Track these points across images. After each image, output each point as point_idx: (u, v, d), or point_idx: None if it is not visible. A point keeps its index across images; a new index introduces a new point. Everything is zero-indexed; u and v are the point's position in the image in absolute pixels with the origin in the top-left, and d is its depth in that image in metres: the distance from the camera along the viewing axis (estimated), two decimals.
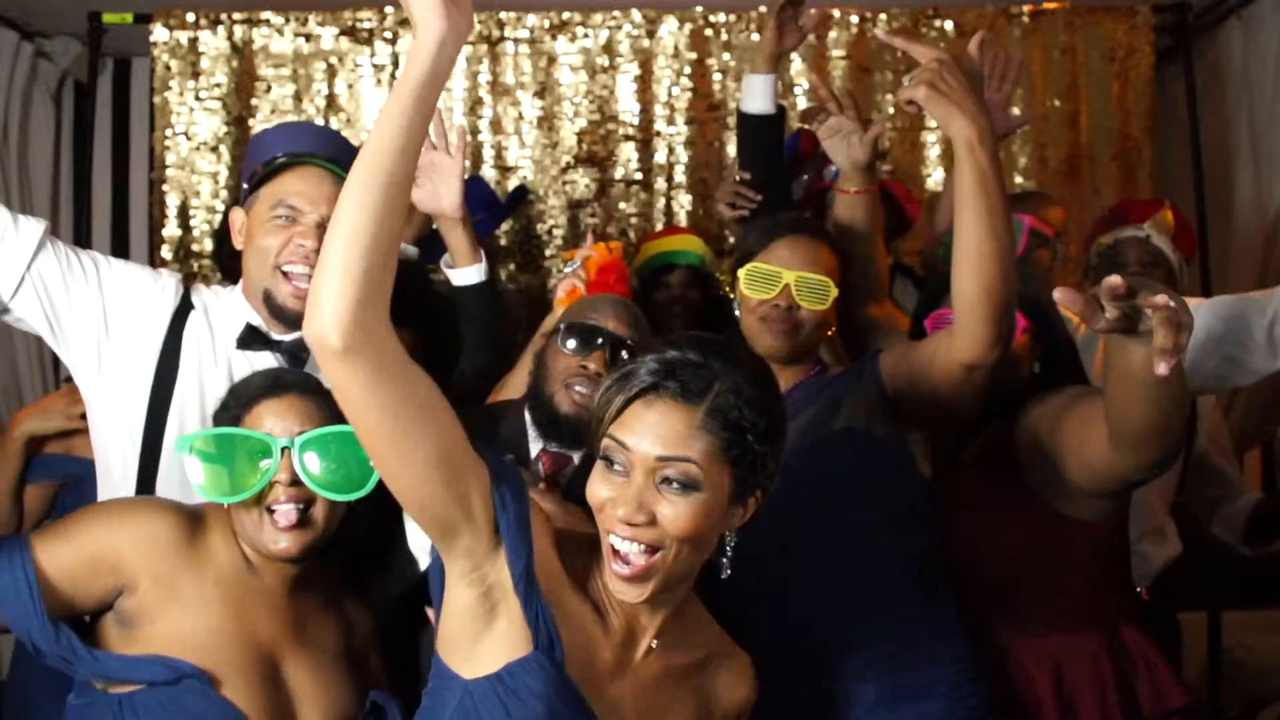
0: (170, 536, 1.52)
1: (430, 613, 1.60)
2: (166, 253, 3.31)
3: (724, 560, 1.32)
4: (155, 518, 1.54)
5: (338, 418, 1.56)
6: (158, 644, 1.47)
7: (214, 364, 1.82)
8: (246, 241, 1.86)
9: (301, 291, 1.79)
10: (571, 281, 2.18)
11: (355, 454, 1.55)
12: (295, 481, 1.53)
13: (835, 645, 1.69)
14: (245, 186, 1.88)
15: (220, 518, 1.59)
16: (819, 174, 2.65)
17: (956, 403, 1.70)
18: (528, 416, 1.96)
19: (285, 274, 1.80)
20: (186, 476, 1.59)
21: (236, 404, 1.59)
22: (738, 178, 2.53)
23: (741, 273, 1.86)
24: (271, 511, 1.54)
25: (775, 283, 1.82)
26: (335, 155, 1.88)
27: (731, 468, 1.24)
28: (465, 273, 2.20)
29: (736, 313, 1.94)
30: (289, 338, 1.85)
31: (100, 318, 1.78)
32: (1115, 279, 1.23)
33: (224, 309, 1.88)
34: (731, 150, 3.39)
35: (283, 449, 1.53)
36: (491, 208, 3.00)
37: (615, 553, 1.24)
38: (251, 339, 1.83)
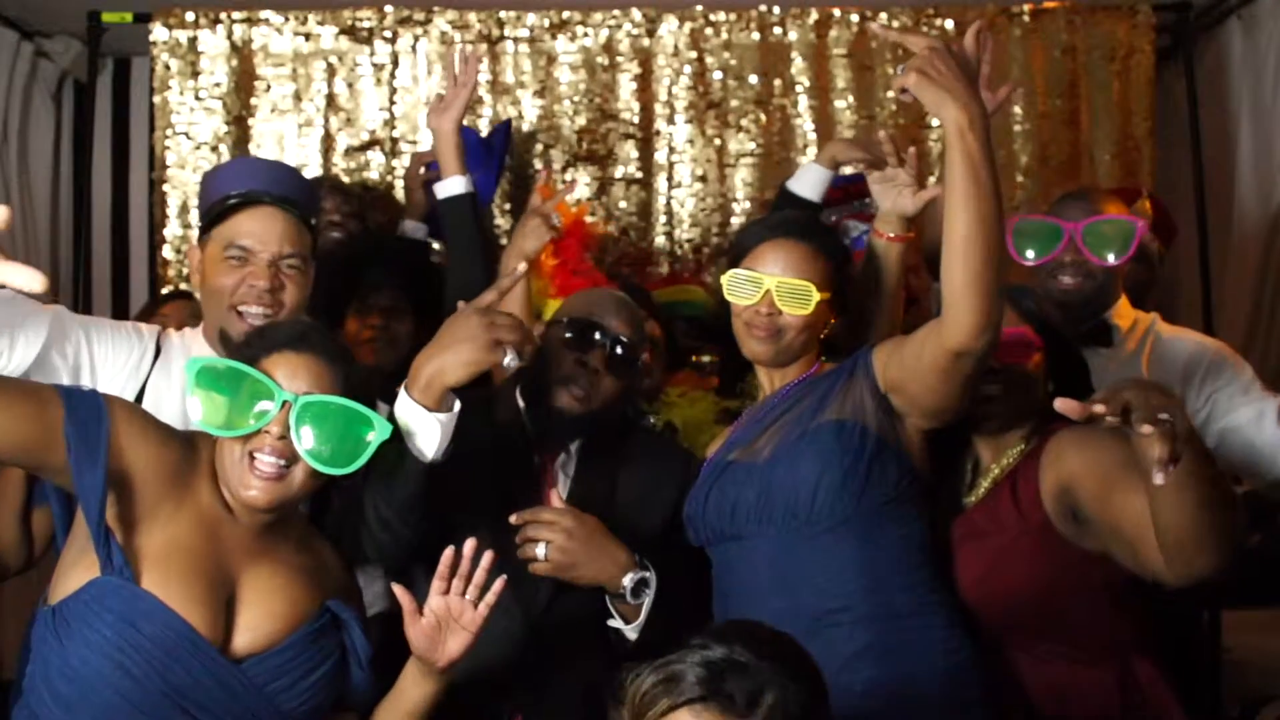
0: (168, 463, 1.54)
1: (398, 588, 1.60)
2: (168, 252, 3.31)
3: None
4: (162, 439, 1.56)
5: (350, 392, 1.59)
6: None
7: (171, 408, 1.82)
8: (202, 282, 1.88)
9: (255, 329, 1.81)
10: (548, 234, 2.19)
11: (351, 431, 1.57)
12: (284, 437, 1.54)
13: (826, 633, 1.69)
14: (199, 226, 1.90)
15: (210, 451, 1.60)
16: (840, 221, 2.67)
17: (946, 392, 1.70)
18: (520, 401, 1.96)
19: (240, 313, 1.82)
20: None
21: (260, 345, 1.60)
22: None
23: (725, 278, 1.86)
24: (253, 457, 1.54)
25: (757, 288, 1.82)
26: (287, 193, 1.89)
27: None
28: (450, 183, 2.32)
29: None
30: None
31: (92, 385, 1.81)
32: (1099, 409, 1.28)
33: (185, 351, 1.90)
34: (731, 148, 3.39)
35: (284, 402, 1.54)
36: (477, 158, 2.94)
37: None
38: None
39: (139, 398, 1.84)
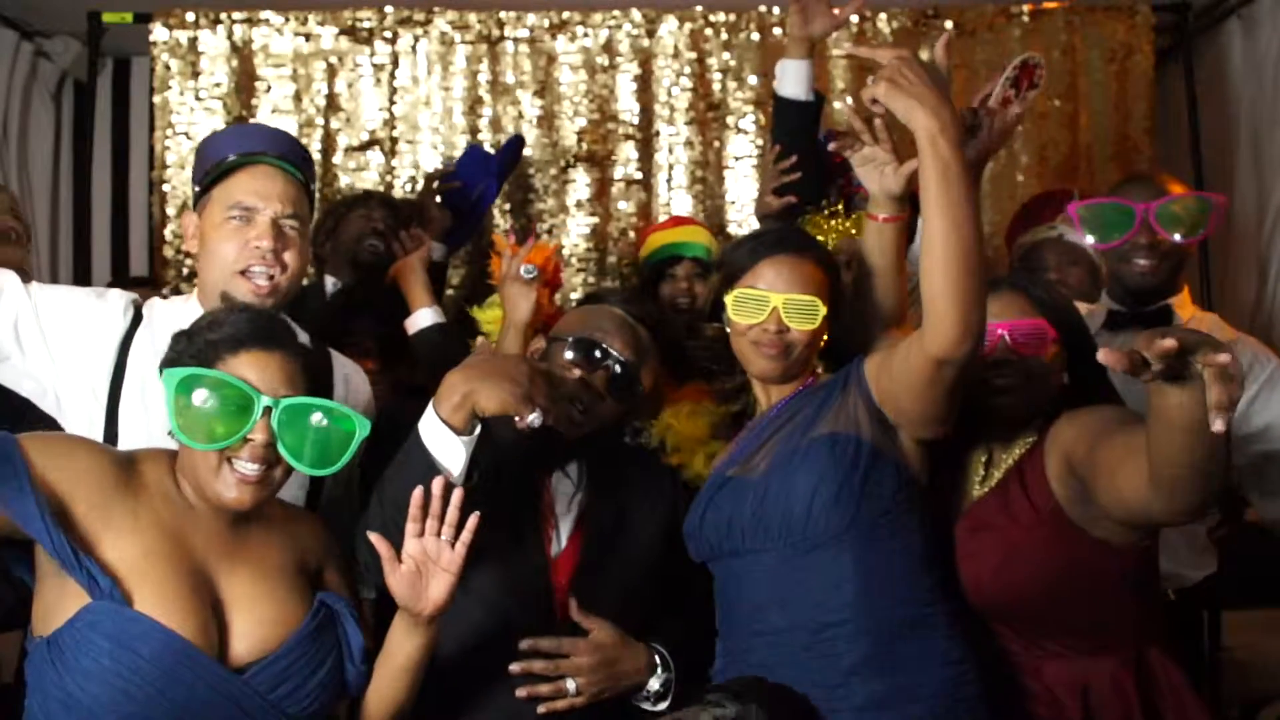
0: (104, 471, 1.49)
1: (375, 536, 1.56)
2: (168, 252, 3.32)
3: None
4: (90, 454, 1.51)
5: (312, 386, 1.55)
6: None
7: (158, 375, 1.79)
8: (201, 245, 1.85)
9: (260, 289, 1.79)
10: (533, 289, 2.18)
11: (334, 430, 1.54)
12: (269, 444, 1.50)
13: (824, 646, 1.69)
14: (196, 189, 1.87)
15: (155, 461, 1.56)
16: (848, 179, 2.65)
17: (933, 399, 1.68)
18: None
19: (245, 274, 1.79)
20: None
21: (225, 342, 1.52)
22: (774, 161, 2.52)
23: (729, 298, 1.85)
24: (231, 462, 1.50)
25: (763, 307, 1.81)
26: (285, 154, 1.87)
27: None
28: (418, 317, 2.45)
29: (728, 330, 1.93)
30: None
31: (45, 351, 1.79)
32: (1169, 343, 1.24)
33: (175, 317, 1.85)
34: (731, 150, 3.40)
35: (265, 408, 1.49)
36: (488, 166, 2.98)
37: None
38: None
39: (119, 364, 1.81)
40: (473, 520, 1.55)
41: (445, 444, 1.61)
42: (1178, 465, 1.42)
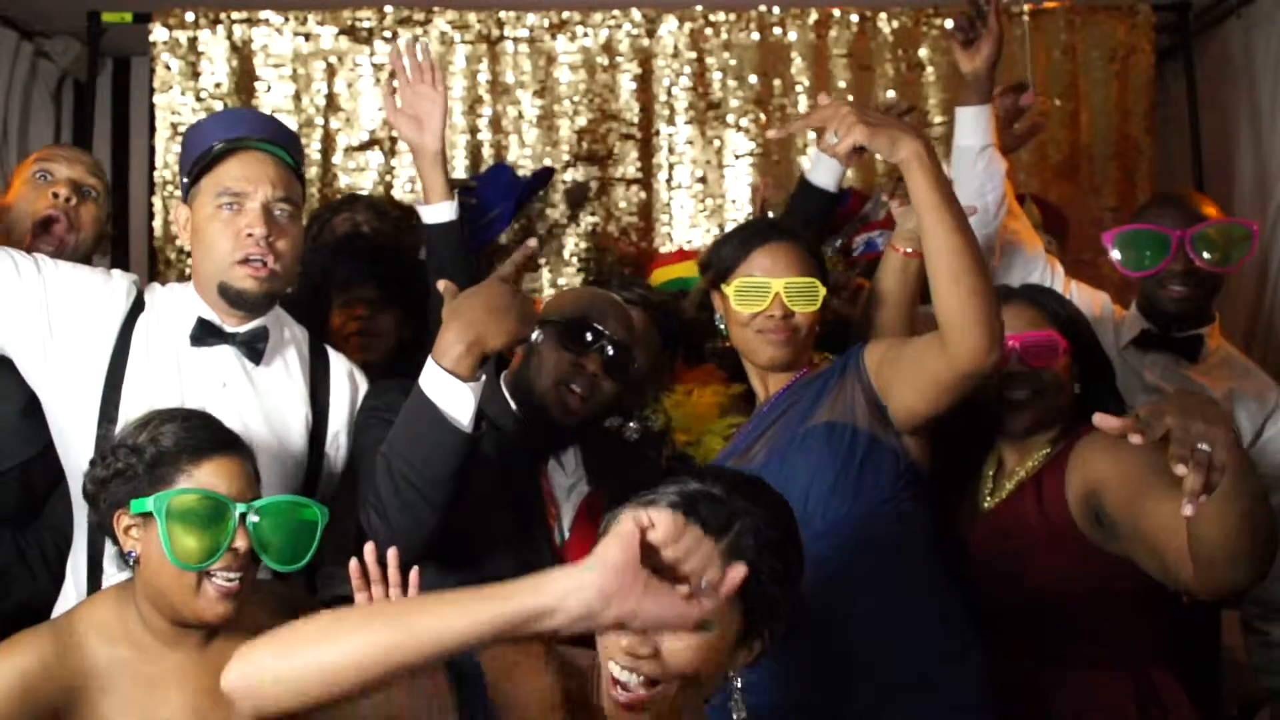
0: (39, 668, 1.44)
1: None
2: (170, 253, 3.31)
3: (736, 701, 1.28)
4: (16, 658, 1.44)
5: (258, 481, 1.56)
6: None
7: (162, 362, 1.80)
8: (194, 236, 1.84)
9: (259, 271, 1.79)
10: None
11: (300, 522, 1.56)
12: (249, 549, 1.49)
13: (823, 642, 1.69)
14: (185, 181, 1.86)
15: (96, 611, 1.53)
16: (849, 240, 2.66)
17: (942, 404, 1.70)
18: (506, 393, 1.93)
19: (246, 261, 1.79)
20: None
21: (184, 453, 1.50)
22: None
23: (729, 289, 1.86)
24: (209, 575, 1.48)
25: (765, 293, 1.82)
26: (272, 137, 1.86)
27: (743, 608, 1.24)
28: (438, 209, 2.17)
29: (721, 327, 1.93)
30: (243, 329, 1.84)
31: (44, 314, 1.79)
32: (1136, 438, 1.26)
33: (175, 305, 1.87)
34: (731, 149, 3.40)
35: (240, 514, 1.48)
36: (511, 192, 2.99)
37: (614, 680, 1.22)
38: (205, 333, 1.83)
39: (120, 346, 1.80)
40: (414, 575, 1.57)
41: (453, 394, 1.63)
42: (1210, 543, 1.40)
